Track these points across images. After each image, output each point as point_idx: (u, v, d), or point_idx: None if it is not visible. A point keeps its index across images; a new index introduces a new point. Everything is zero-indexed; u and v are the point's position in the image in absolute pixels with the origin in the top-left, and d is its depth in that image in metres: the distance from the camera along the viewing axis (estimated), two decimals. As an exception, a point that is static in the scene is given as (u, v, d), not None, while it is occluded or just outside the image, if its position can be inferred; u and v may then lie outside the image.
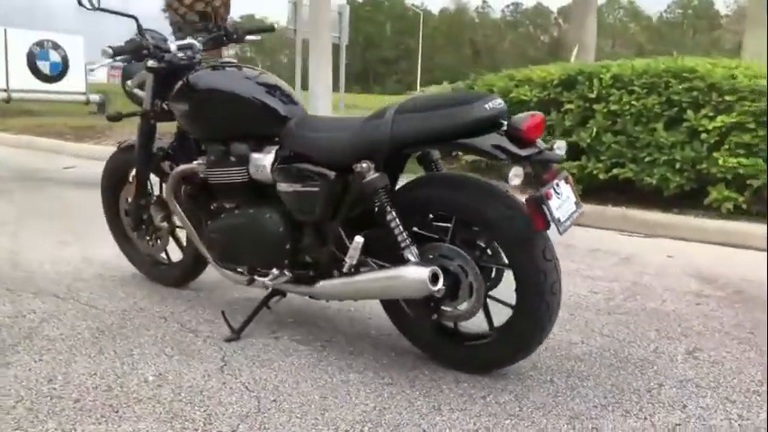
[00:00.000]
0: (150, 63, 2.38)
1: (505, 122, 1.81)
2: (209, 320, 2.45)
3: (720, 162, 4.15)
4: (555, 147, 1.83)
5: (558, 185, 1.82)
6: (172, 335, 2.31)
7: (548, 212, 1.74)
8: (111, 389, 1.88)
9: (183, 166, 2.41)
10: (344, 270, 2.03)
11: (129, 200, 2.79)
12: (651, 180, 4.43)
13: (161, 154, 2.60)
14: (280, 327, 2.40)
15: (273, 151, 2.21)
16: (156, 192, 2.72)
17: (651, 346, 2.35)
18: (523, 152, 1.75)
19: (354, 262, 2.00)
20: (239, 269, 2.35)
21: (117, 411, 1.75)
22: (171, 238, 2.80)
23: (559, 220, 1.75)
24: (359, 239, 1.98)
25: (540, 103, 4.97)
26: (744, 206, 4.19)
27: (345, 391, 1.92)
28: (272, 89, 2.27)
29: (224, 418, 1.74)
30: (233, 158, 2.27)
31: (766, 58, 4.65)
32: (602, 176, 4.63)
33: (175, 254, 2.86)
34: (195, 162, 2.37)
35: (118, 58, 2.29)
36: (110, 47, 2.26)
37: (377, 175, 1.93)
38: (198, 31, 2.53)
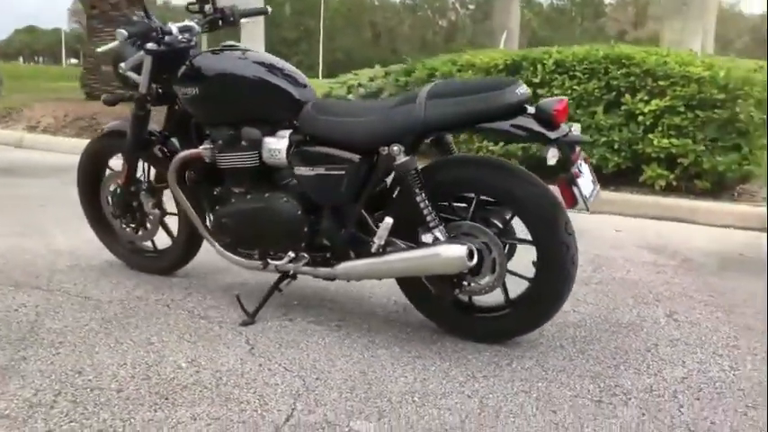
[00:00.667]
0: (150, 45, 2.32)
1: (531, 107, 1.93)
2: (214, 306, 2.44)
3: (655, 143, 4.51)
4: (572, 129, 1.97)
5: (581, 165, 1.97)
6: (184, 322, 2.28)
7: (577, 190, 1.88)
8: (149, 377, 1.86)
9: (187, 151, 2.37)
10: (373, 250, 2.09)
11: (114, 187, 2.70)
12: (591, 160, 4.73)
13: (153, 139, 2.54)
14: (289, 309, 2.42)
15: (287, 135, 2.22)
16: (144, 178, 2.65)
17: (634, 312, 2.57)
18: (553, 134, 1.88)
19: (383, 242, 2.06)
20: (251, 254, 2.35)
21: (167, 398, 1.74)
22: (160, 226, 2.73)
23: (586, 197, 1.90)
24: (389, 220, 2.05)
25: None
26: (674, 183, 4.58)
27: (380, 365, 1.99)
28: (285, 73, 2.28)
29: (277, 397, 1.77)
30: (244, 143, 2.26)
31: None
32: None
33: (161, 242, 2.79)
34: (201, 147, 2.34)
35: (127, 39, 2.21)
36: (123, 29, 2.18)
37: (408, 157, 2.00)
38: (193, 12, 2.47)
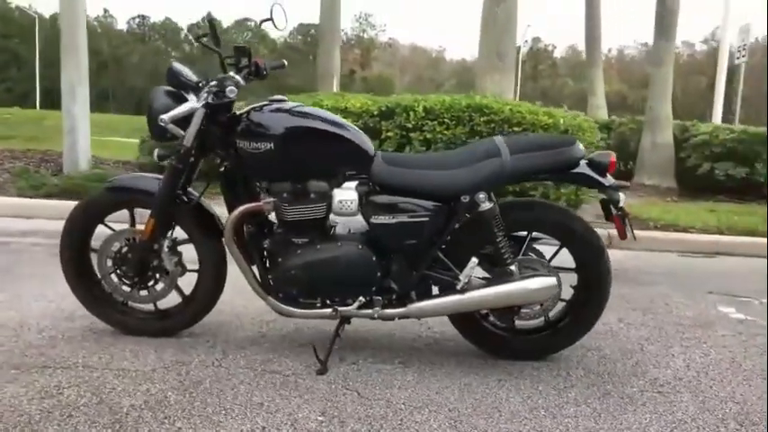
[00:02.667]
0: (205, 98, 2.26)
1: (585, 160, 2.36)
2: (270, 359, 2.41)
3: (514, 179, 5.30)
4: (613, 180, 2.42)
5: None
6: (266, 382, 2.22)
7: (628, 225, 2.35)
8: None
9: (248, 205, 2.33)
10: (459, 287, 2.32)
11: (126, 245, 2.49)
12: (460, 195, 5.37)
13: (183, 196, 2.45)
14: (343, 354, 2.49)
15: (354, 187, 2.34)
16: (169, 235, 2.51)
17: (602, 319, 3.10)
18: (606, 182, 2.33)
19: (468, 280, 2.31)
20: (314, 303, 2.38)
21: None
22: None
23: (633, 231, 2.38)
24: (474, 260, 2.30)
25: (355, 130, 5.51)
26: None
27: (480, 393, 2.21)
28: (350, 128, 2.39)
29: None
30: (313, 195, 2.32)
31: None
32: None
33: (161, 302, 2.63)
34: (263, 201, 2.32)
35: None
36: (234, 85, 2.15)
37: (492, 204, 2.29)
38: (230, 65, 2.43)
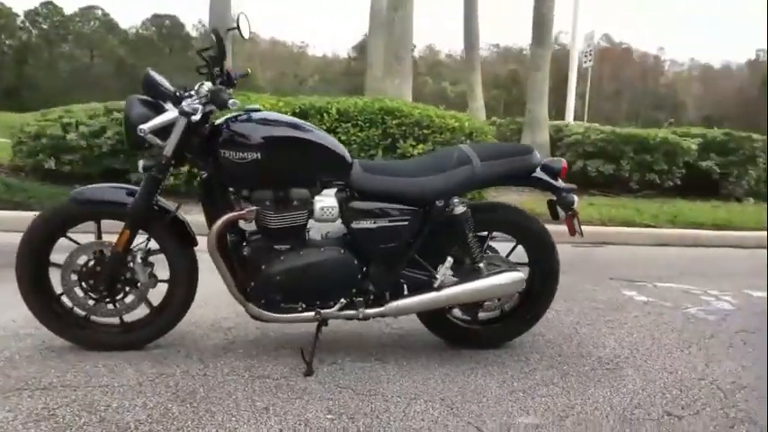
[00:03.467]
0: (187, 107, 2.26)
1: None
2: (252, 365, 2.45)
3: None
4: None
5: (565, 205, 2.72)
6: (260, 387, 2.26)
7: (577, 224, 2.64)
8: (324, 433, 1.95)
9: (231, 214, 2.34)
10: (436, 285, 2.49)
11: (93, 257, 2.41)
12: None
13: (158, 207, 2.42)
14: (321, 356, 2.58)
15: (334, 194, 2.44)
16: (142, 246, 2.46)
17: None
18: (558, 185, 2.60)
19: (444, 278, 2.49)
20: (295, 308, 2.45)
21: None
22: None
23: (581, 228, 2.67)
24: (450, 259, 2.49)
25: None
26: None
27: (461, 382, 2.40)
28: (330, 137, 2.47)
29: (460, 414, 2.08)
30: (296, 203, 2.38)
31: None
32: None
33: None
34: (246, 209, 2.35)
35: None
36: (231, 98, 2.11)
37: (465, 208, 2.49)
38: (201, 74, 2.40)
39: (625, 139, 8.27)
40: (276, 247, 2.42)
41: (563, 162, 2.62)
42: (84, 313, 2.52)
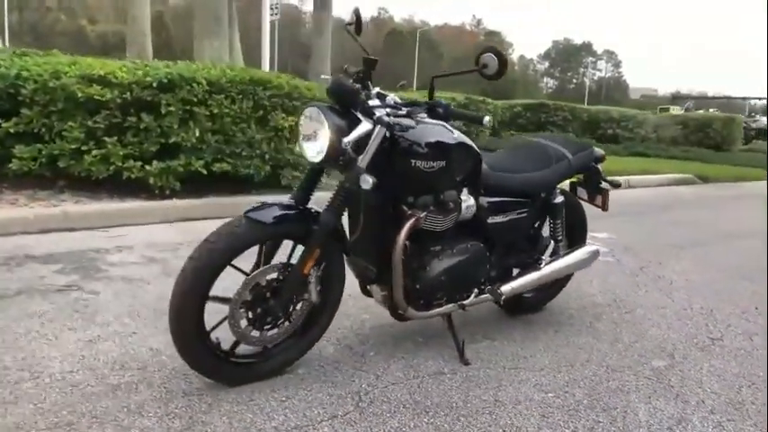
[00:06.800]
0: (385, 117, 2.17)
1: None
2: (411, 365, 2.51)
3: (295, 150, 5.55)
4: None
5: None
6: (432, 383, 2.38)
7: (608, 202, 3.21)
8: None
9: (412, 221, 2.31)
10: (542, 266, 2.84)
11: (267, 282, 2.17)
12: (247, 171, 5.35)
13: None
14: (416, 349, 2.74)
15: (465, 191, 2.60)
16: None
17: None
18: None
19: (548, 258, 2.86)
20: (441, 303, 2.56)
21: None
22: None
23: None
24: (552, 242, 2.86)
25: (123, 104, 4.85)
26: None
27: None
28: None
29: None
30: (452, 204, 2.47)
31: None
32: (204, 171, 5.15)
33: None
34: (417, 215, 2.36)
35: None
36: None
37: (562, 198, 2.86)
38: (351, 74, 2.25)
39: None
40: (433, 248, 2.48)
41: (602, 152, 3.16)
42: (227, 348, 2.23)
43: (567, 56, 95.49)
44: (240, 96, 5.20)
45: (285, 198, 2.29)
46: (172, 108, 4.91)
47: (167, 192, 5.07)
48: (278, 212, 2.16)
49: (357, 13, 2.43)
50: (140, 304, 3.03)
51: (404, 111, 2.26)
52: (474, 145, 2.53)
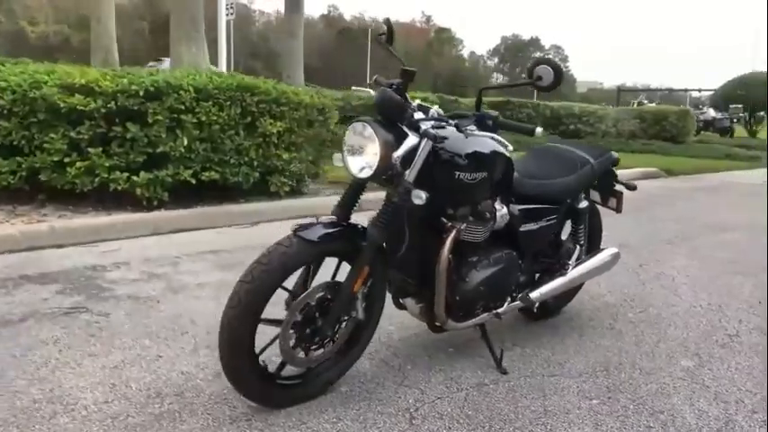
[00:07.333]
0: (430, 130, 2.14)
1: None
2: (453, 377, 2.50)
3: (285, 157, 5.47)
4: None
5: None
6: (477, 395, 2.37)
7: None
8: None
9: (454, 233, 2.29)
10: (568, 271, 2.85)
11: (315, 301, 2.12)
12: (236, 179, 5.24)
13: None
14: (450, 360, 2.73)
15: (498, 200, 2.59)
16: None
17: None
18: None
19: (574, 262, 2.88)
20: (478, 312, 2.55)
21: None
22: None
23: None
24: (578, 248, 2.87)
25: (107, 114, 4.69)
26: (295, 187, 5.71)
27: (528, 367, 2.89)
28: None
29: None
30: (488, 214, 2.46)
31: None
32: (192, 181, 5.02)
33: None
34: (457, 227, 2.34)
35: None
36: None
37: (587, 203, 2.88)
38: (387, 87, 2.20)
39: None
40: (471, 258, 2.46)
41: (617, 156, 3.18)
42: (273, 370, 2.17)
43: (516, 51, 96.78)
44: (228, 103, 5.07)
45: (325, 216, 2.22)
46: (159, 117, 4.76)
47: (155, 203, 4.92)
48: (325, 231, 2.10)
49: (388, 23, 2.39)
50: (156, 324, 2.93)
51: (452, 123, 2.23)
52: (507, 153, 2.52)
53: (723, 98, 26.19)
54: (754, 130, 25.15)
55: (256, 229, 4.98)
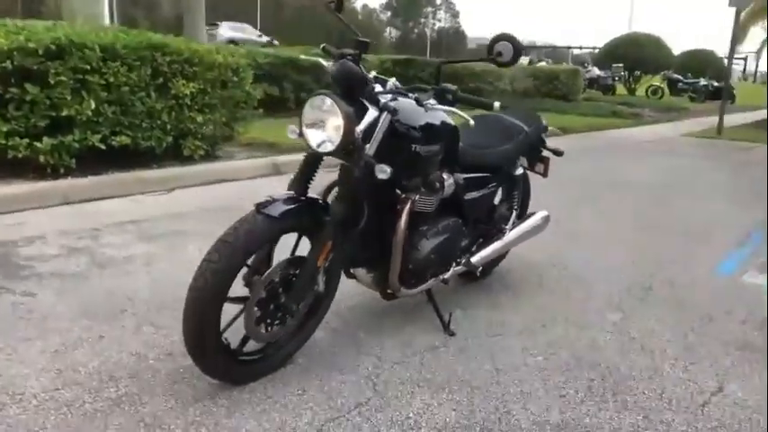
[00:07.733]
0: (390, 102, 2.15)
1: None
2: (405, 341, 2.58)
3: (199, 120, 5.27)
4: None
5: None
6: (435, 357, 2.48)
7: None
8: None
9: (410, 202, 2.33)
10: (505, 235, 2.99)
11: (285, 274, 2.12)
12: (148, 143, 5.00)
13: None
14: (400, 325, 2.83)
15: (446, 170, 2.66)
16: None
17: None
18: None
19: (510, 226, 3.02)
20: (427, 279, 2.63)
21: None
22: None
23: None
24: (515, 212, 3.01)
25: (2, 74, 4.30)
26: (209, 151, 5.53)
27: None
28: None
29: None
30: (438, 185, 2.52)
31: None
32: (101, 146, 4.75)
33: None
34: (411, 198, 2.38)
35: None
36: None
37: (522, 169, 3.01)
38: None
39: (283, 62, 8.88)
40: (422, 228, 2.52)
41: (547, 122, 3.32)
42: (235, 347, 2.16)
43: (408, 5, 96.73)
44: (138, 63, 4.79)
45: (283, 192, 2.19)
46: (62, 77, 4.41)
47: (61, 170, 4.61)
48: (287, 207, 2.08)
49: None
50: (91, 303, 2.80)
51: (412, 97, 2.25)
52: (454, 123, 2.58)
53: (606, 57, 27.58)
54: (632, 87, 26.74)
55: (173, 196, 4.79)
